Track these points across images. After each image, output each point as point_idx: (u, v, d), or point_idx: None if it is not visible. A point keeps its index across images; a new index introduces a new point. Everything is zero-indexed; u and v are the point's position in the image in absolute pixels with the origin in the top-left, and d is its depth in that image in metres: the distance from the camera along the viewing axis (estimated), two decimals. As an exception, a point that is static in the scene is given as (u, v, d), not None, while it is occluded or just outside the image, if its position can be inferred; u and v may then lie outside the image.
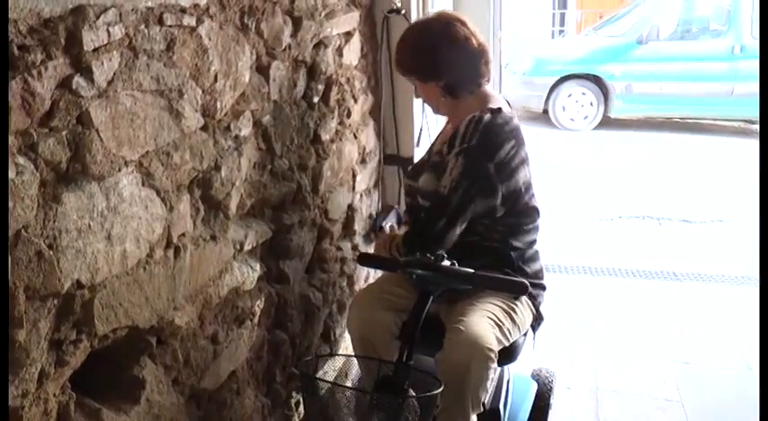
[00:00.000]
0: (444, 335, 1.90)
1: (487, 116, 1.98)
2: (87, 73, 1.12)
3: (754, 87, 8.75)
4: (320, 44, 2.18)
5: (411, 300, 2.08)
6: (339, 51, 2.36)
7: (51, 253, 1.08)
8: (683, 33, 8.94)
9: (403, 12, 2.68)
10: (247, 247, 1.76)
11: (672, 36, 8.79)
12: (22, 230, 1.02)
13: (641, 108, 8.84)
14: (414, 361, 1.69)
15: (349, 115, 2.48)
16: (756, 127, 9.05)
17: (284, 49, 1.90)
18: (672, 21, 8.84)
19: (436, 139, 2.23)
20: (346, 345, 2.55)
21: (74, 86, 1.10)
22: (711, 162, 7.40)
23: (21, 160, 1.01)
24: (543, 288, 2.19)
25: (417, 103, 2.78)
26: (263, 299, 1.89)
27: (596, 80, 8.78)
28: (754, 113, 8.79)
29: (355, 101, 2.53)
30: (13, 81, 0.99)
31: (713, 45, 8.58)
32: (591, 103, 8.82)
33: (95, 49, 1.13)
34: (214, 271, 1.61)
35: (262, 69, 1.79)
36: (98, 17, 1.13)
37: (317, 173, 2.21)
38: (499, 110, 2.01)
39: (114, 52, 1.18)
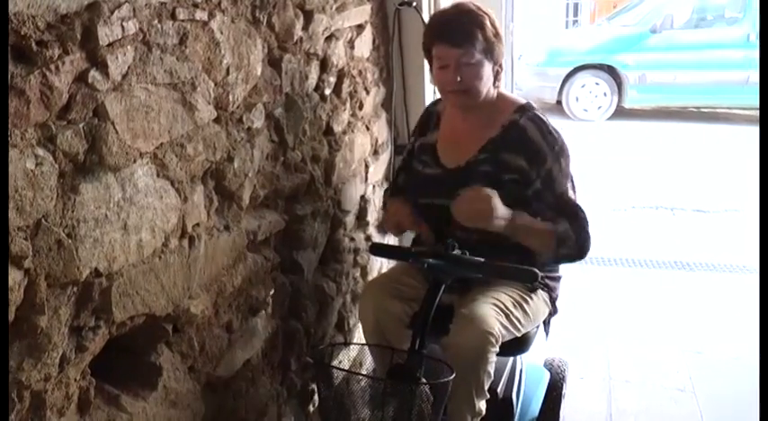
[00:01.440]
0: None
1: (539, 113, 2.04)
2: (103, 67, 1.15)
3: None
4: (332, 37, 2.20)
5: (422, 289, 2.09)
6: (351, 44, 2.38)
7: (70, 241, 1.11)
8: (698, 21, 8.87)
9: (414, 4, 2.70)
10: (261, 237, 1.79)
11: (687, 24, 8.73)
12: (42, 219, 1.05)
13: (655, 98, 8.80)
14: (427, 349, 1.71)
15: (361, 107, 2.50)
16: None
17: (296, 43, 1.93)
18: (686, 9, 8.78)
19: (446, 142, 2.11)
20: (360, 336, 2.57)
21: (90, 80, 1.13)
22: (726, 151, 7.36)
23: (40, 151, 1.04)
24: (559, 280, 2.20)
25: (429, 94, 2.80)
26: (276, 288, 1.92)
27: (610, 70, 8.75)
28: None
29: (367, 93, 2.55)
30: (32, 75, 1.02)
31: (728, 33, 8.51)
32: (605, 94, 8.78)
33: (110, 44, 1.16)
34: (228, 260, 1.64)
35: (273, 62, 1.81)
36: (112, 12, 1.16)
37: (330, 164, 2.24)
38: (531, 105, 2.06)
39: (128, 47, 1.21)
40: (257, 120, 1.72)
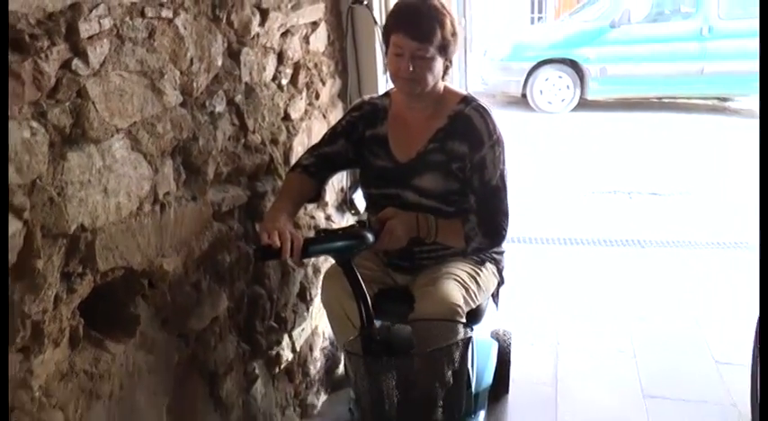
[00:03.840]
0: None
1: (482, 103, 2.18)
2: (83, 56, 1.39)
3: (723, 66, 9.06)
4: (287, 33, 2.45)
5: (379, 271, 2.32)
6: (306, 39, 2.63)
7: (60, 199, 1.35)
8: (656, 16, 9.23)
9: (366, 2, 2.95)
10: (225, 209, 2.04)
11: (646, 19, 9.08)
12: (37, 180, 1.29)
13: (616, 89, 9.15)
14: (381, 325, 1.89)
15: (318, 97, 2.75)
16: (729, 104, 9.37)
17: (253, 37, 2.17)
18: (646, 4, 9.13)
19: (394, 137, 2.25)
20: (319, 306, 2.82)
21: (73, 67, 1.37)
22: (684, 138, 7.70)
23: (34, 124, 1.28)
24: (503, 253, 2.40)
25: (381, 86, 3.05)
26: (240, 256, 2.17)
27: (572, 64, 9.08)
28: (725, 91, 9.11)
29: (323, 84, 2.80)
30: (26, 62, 1.26)
31: (683, 27, 8.87)
32: (567, 87, 9.12)
33: (90, 37, 1.40)
34: (195, 227, 1.88)
35: (233, 55, 2.06)
36: (90, 11, 1.40)
37: (288, 147, 2.49)
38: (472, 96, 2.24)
39: (105, 39, 1.45)
40: (219, 105, 1.97)
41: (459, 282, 2.14)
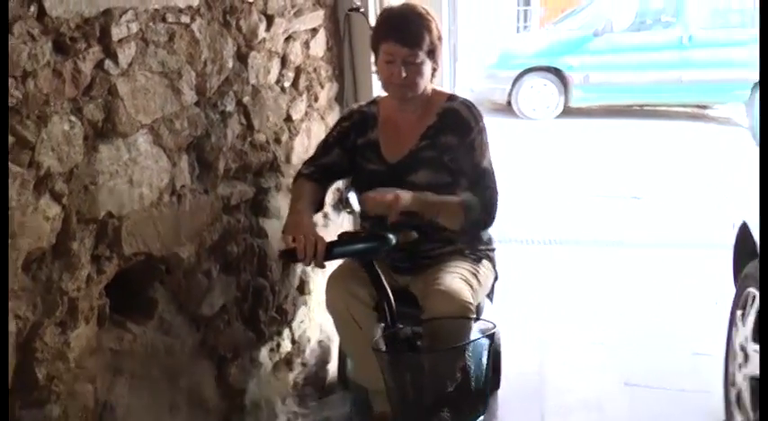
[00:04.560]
0: (417, 303, 2.14)
1: (466, 99, 2.28)
2: (114, 57, 1.53)
3: (702, 75, 9.25)
4: (290, 38, 2.59)
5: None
6: (307, 44, 2.77)
7: (93, 187, 1.48)
8: (638, 25, 9.46)
9: (362, 10, 3.10)
10: (233, 203, 2.17)
11: (628, 28, 9.30)
12: (74, 168, 1.42)
13: (599, 97, 9.34)
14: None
15: (317, 99, 2.89)
16: (708, 111, 9.61)
17: (260, 42, 2.31)
18: (629, 14, 9.35)
19: (385, 138, 2.30)
20: (321, 299, 2.95)
21: (105, 67, 1.50)
22: (663, 144, 7.90)
23: (72, 118, 1.41)
24: (494, 250, 2.47)
25: (376, 89, 3.19)
26: (246, 248, 2.30)
27: (556, 72, 9.27)
28: (703, 99, 9.35)
29: (322, 87, 2.94)
30: (67, 62, 1.39)
31: (664, 36, 9.10)
32: (552, 94, 9.30)
33: (119, 40, 1.54)
34: (207, 218, 2.02)
35: (242, 58, 2.19)
36: (121, 16, 1.53)
37: (290, 147, 2.62)
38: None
39: (132, 42, 1.59)
40: (229, 105, 2.10)
41: (463, 279, 2.19)
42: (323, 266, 2.00)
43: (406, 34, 2.14)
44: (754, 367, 2.28)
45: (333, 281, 2.26)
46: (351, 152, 2.32)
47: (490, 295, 2.53)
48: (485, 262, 2.37)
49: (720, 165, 6.08)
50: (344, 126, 2.37)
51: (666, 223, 5.27)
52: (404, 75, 2.15)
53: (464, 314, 2.06)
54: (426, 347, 2.04)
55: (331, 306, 2.25)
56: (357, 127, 2.34)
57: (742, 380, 2.36)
